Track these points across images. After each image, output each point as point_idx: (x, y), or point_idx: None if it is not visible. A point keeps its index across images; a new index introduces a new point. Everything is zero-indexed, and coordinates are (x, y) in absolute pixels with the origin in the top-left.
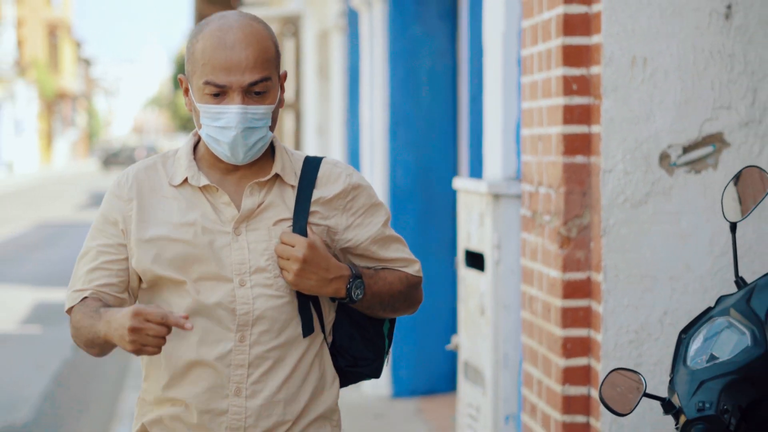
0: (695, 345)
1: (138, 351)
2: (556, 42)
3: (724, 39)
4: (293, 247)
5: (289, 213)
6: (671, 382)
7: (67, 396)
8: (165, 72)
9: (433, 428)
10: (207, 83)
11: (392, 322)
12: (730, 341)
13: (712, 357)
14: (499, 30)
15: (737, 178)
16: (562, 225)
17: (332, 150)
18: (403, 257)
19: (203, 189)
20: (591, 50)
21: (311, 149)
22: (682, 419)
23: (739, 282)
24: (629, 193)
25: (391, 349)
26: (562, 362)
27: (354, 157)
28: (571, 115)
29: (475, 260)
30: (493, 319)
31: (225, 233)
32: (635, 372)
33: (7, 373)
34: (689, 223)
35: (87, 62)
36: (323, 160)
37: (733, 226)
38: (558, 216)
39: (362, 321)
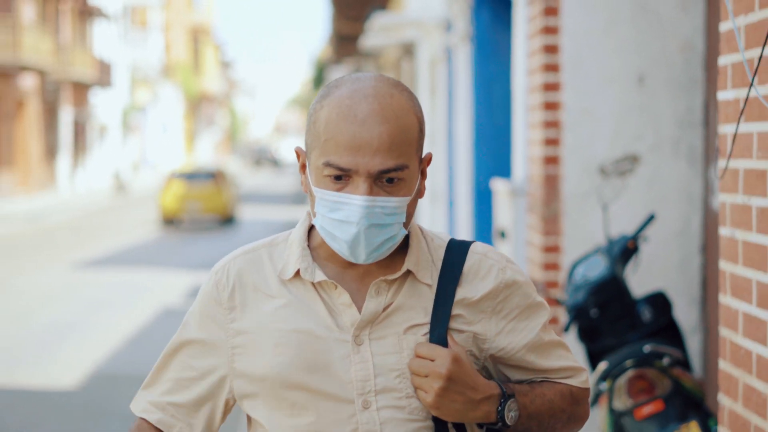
0: (579, 270)
1: None
2: (541, 97)
3: (639, 97)
4: (433, 361)
5: (423, 317)
6: (565, 290)
7: None
8: (305, 73)
9: None
10: (327, 164)
11: None
12: (596, 268)
13: (585, 276)
14: (520, 85)
15: (605, 183)
16: (544, 209)
17: (437, 155)
18: (566, 366)
19: (318, 285)
20: (559, 103)
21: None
22: (565, 308)
23: (607, 237)
24: (580, 191)
25: None
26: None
27: (451, 161)
28: (547, 143)
29: (503, 234)
30: None
31: (343, 342)
32: (539, 282)
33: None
34: (616, 209)
35: (227, 65)
36: (471, 249)
37: (605, 206)
38: (541, 204)
39: None
